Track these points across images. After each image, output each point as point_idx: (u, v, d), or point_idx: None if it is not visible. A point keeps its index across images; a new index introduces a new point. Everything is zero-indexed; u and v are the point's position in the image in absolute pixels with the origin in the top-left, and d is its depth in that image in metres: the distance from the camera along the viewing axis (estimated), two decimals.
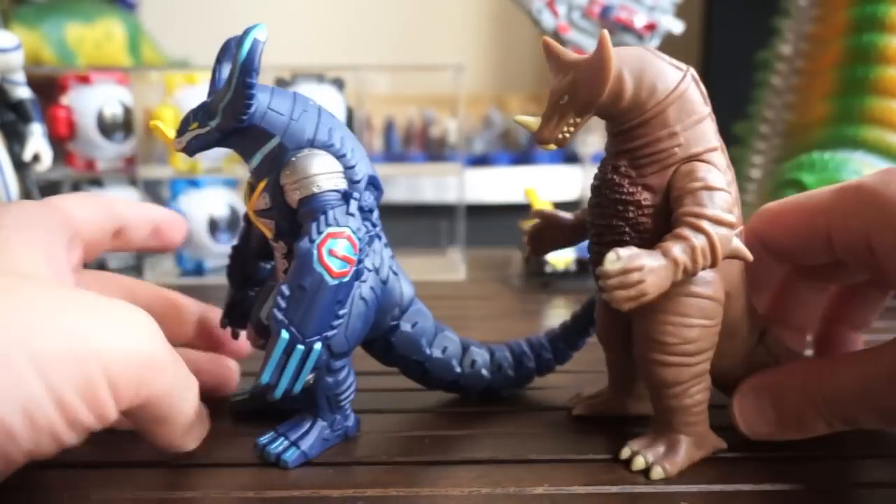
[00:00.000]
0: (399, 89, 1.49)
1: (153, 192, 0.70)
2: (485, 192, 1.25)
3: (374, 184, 0.30)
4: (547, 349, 0.36)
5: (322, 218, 0.27)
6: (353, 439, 0.31)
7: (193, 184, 0.65)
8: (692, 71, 0.27)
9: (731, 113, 0.74)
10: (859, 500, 0.27)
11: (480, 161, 1.38)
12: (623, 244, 0.26)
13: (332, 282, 0.26)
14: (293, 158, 0.28)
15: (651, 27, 0.62)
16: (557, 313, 0.55)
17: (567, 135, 0.27)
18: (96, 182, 0.65)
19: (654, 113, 0.27)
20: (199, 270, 0.65)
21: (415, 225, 0.82)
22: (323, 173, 0.27)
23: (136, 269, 0.66)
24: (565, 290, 0.61)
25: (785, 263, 0.33)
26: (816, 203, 0.29)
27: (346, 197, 0.28)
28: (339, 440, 0.31)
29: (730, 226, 0.26)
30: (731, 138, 0.72)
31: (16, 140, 0.53)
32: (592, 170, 0.30)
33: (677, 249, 0.25)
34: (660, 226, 0.27)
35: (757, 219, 0.31)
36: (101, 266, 0.66)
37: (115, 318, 0.23)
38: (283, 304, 0.27)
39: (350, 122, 0.64)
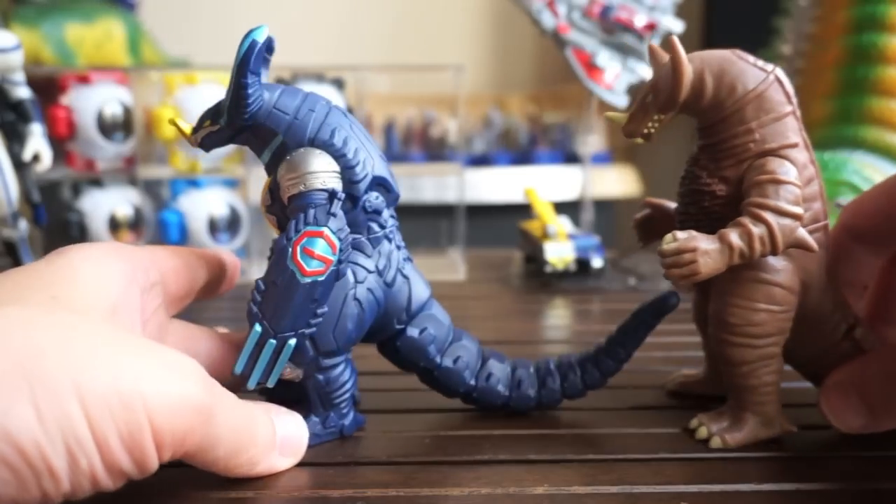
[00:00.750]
0: (399, 89, 1.48)
1: (153, 192, 0.70)
2: (485, 192, 1.25)
3: (383, 185, 0.30)
4: (575, 370, 0.33)
5: (301, 216, 0.27)
6: (353, 439, 0.31)
7: (193, 184, 0.65)
8: (778, 72, 0.29)
9: None
10: (860, 500, 0.27)
11: (480, 161, 1.37)
12: (698, 230, 0.28)
13: (303, 280, 0.27)
14: (288, 156, 0.28)
15: (651, 27, 0.62)
16: (557, 313, 0.55)
17: (652, 130, 0.30)
18: (96, 182, 0.65)
19: (732, 111, 0.28)
20: None
21: (415, 225, 0.82)
22: (313, 172, 0.28)
23: None
24: (565, 290, 0.61)
25: (880, 254, 0.32)
26: (893, 177, 0.29)
27: (332, 196, 0.28)
28: (333, 437, 0.31)
29: (794, 217, 0.27)
30: None
31: (16, 140, 0.53)
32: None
33: (734, 235, 0.27)
34: (732, 215, 0.28)
35: (844, 211, 0.31)
36: None
37: (166, 365, 0.23)
38: (258, 297, 0.27)
39: None
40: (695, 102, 0.29)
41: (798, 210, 0.27)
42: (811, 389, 0.33)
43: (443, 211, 0.74)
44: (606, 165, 1.35)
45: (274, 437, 0.27)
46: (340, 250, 0.28)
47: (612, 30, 0.62)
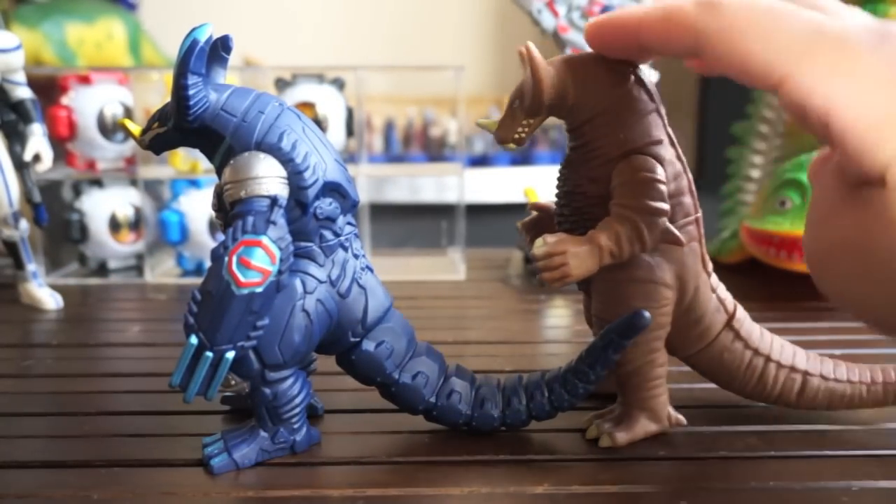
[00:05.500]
0: (399, 89, 1.48)
1: (154, 192, 0.70)
2: (485, 192, 1.25)
3: (338, 190, 0.29)
4: (542, 391, 0.31)
5: (239, 224, 0.26)
6: (354, 438, 0.31)
7: (194, 184, 0.65)
8: (637, 71, 0.29)
9: (731, 113, 0.74)
10: (858, 499, 0.27)
11: (480, 161, 1.38)
12: (573, 231, 0.28)
13: (238, 291, 0.26)
14: (233, 160, 0.27)
15: None
16: (557, 313, 0.55)
17: (523, 135, 0.30)
18: (97, 182, 0.65)
19: (597, 112, 0.29)
20: (199, 270, 0.65)
21: (415, 225, 0.82)
22: (256, 177, 0.27)
23: (136, 270, 0.66)
24: (565, 290, 0.61)
25: None
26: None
27: (273, 203, 0.27)
28: (284, 454, 0.29)
29: (660, 213, 0.28)
30: (731, 138, 0.72)
31: (16, 140, 0.53)
32: None
33: (602, 236, 0.28)
34: (605, 216, 0.29)
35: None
36: (101, 267, 0.66)
37: None
38: (194, 308, 0.26)
39: (350, 122, 0.64)
40: (560, 105, 0.29)
41: (663, 206, 0.28)
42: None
43: (443, 211, 0.74)
44: None
45: None
46: (281, 260, 0.26)
47: None
